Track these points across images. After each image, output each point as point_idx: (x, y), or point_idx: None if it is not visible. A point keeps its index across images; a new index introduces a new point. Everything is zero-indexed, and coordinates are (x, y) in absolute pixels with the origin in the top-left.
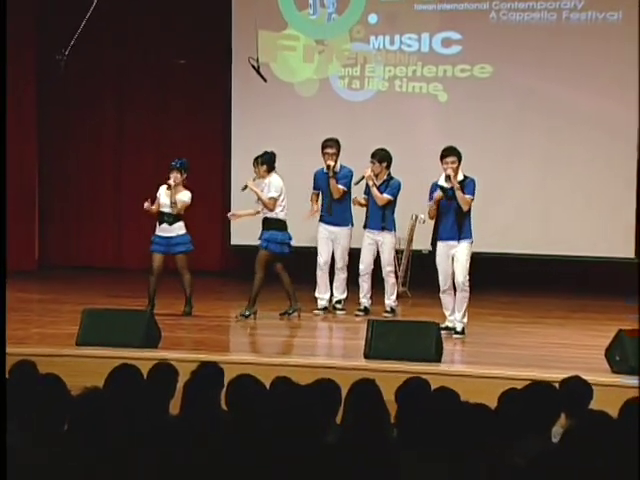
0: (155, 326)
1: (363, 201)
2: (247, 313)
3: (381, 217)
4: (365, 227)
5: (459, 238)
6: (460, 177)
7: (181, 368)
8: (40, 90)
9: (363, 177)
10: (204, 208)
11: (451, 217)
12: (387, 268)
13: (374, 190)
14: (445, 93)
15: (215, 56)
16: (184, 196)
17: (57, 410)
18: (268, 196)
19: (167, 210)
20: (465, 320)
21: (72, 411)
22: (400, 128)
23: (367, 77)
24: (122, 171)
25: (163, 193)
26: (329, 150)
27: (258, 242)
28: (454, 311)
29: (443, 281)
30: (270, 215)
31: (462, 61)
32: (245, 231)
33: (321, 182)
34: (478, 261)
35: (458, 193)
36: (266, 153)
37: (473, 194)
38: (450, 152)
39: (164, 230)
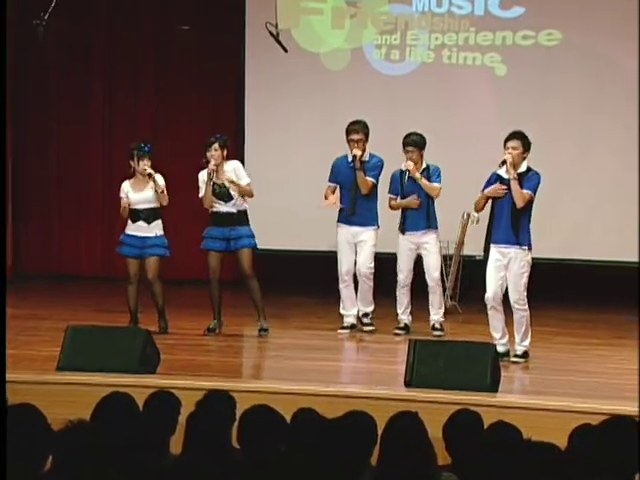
0: (153, 347)
1: (401, 202)
2: (266, 326)
3: (425, 215)
4: (403, 231)
5: (516, 243)
6: (523, 168)
7: (184, 397)
8: (13, 62)
9: (407, 171)
10: None
11: (506, 216)
12: (434, 274)
13: (424, 182)
14: (504, 65)
15: (225, 21)
16: (161, 179)
17: (35, 448)
18: (245, 182)
19: (143, 206)
20: (527, 342)
21: (53, 449)
22: (448, 108)
23: (409, 46)
24: (113, 161)
25: (130, 189)
26: (355, 136)
27: (217, 243)
28: (504, 333)
29: (492, 294)
30: (241, 207)
31: (525, 26)
32: (266, 233)
33: (343, 174)
34: (541, 269)
35: (514, 184)
36: (223, 136)
37: (534, 191)
38: (514, 136)
39: (140, 229)
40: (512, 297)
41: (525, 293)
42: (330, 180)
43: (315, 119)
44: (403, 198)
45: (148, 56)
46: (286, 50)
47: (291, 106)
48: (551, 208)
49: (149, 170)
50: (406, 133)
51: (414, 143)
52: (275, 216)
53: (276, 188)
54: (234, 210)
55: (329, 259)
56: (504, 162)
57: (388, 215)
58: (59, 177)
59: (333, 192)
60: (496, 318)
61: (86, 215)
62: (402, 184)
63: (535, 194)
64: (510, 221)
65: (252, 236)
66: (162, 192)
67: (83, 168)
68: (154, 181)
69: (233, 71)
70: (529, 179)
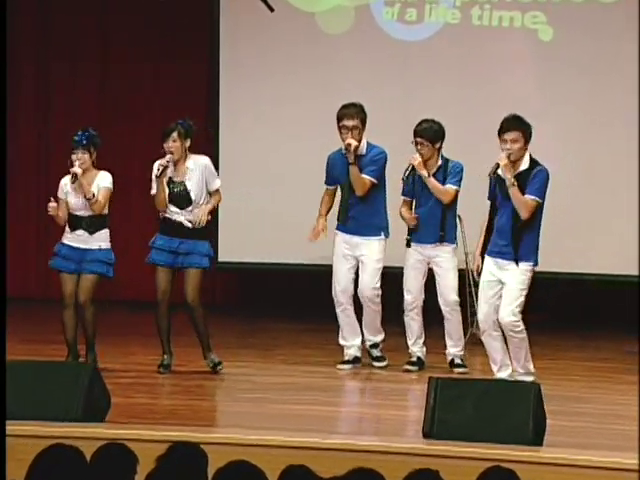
0: (102, 388)
1: (409, 214)
2: (218, 360)
3: (438, 223)
4: (409, 243)
5: (515, 258)
6: (524, 165)
7: (142, 451)
8: None
9: (413, 168)
10: None
11: (506, 223)
12: (449, 297)
13: (432, 182)
14: (549, 28)
15: None
16: (103, 180)
17: None
18: (215, 187)
19: (85, 212)
20: (530, 366)
21: None
22: (478, 82)
23: (428, 3)
24: (50, 158)
25: (69, 188)
26: (348, 122)
27: (164, 255)
28: (503, 364)
29: (483, 316)
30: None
31: None
32: (242, 242)
33: (340, 171)
34: (590, 288)
35: (513, 191)
36: (186, 122)
37: (541, 194)
38: (510, 124)
39: (80, 239)
40: (503, 319)
41: (520, 315)
42: (327, 182)
43: (308, 97)
44: (417, 201)
45: (93, 21)
46: (272, 9)
47: (278, 81)
48: (599, 209)
49: (76, 169)
50: (420, 119)
51: (422, 133)
52: (254, 222)
53: (256, 187)
54: (190, 219)
55: (323, 274)
56: (498, 166)
57: (399, 222)
58: None
59: (333, 195)
60: (492, 346)
61: (15, 226)
62: (414, 184)
63: (543, 198)
64: (511, 231)
65: (206, 255)
66: (92, 197)
67: (11, 169)
68: (80, 184)
69: (204, 36)
70: (533, 180)
